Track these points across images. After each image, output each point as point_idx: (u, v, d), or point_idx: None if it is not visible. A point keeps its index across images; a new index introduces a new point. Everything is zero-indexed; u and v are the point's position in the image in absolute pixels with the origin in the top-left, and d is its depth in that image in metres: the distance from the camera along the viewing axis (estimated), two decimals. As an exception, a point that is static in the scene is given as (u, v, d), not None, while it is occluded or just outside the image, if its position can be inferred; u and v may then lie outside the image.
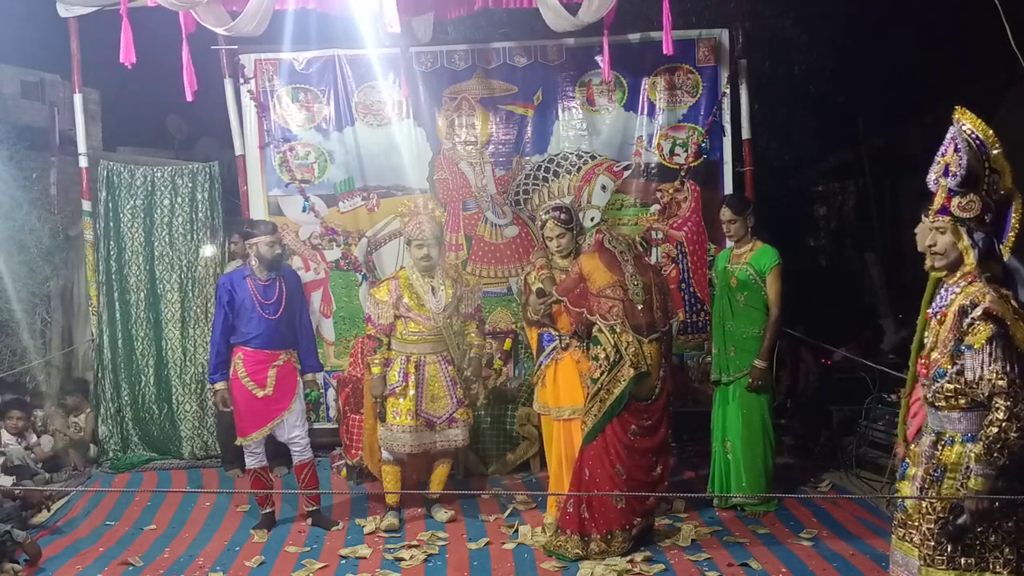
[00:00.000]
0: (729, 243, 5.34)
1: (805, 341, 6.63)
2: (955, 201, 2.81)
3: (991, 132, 2.76)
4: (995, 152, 2.76)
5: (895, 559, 3.02)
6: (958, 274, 2.85)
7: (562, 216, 4.81)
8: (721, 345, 5.15)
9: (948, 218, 2.83)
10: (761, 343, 4.98)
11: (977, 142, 2.78)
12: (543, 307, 4.71)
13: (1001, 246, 2.79)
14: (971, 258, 2.81)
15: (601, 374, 4.37)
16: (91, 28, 6.12)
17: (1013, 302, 2.73)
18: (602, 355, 4.38)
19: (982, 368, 2.71)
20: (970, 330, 2.73)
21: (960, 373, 2.77)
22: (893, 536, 3.05)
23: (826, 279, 9.62)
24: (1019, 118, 6.79)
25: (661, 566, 4.30)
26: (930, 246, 2.89)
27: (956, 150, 2.80)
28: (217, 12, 5.52)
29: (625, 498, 4.37)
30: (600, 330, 4.41)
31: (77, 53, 6.29)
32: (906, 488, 2.99)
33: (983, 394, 2.73)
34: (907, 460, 3.02)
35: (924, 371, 2.93)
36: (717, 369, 5.18)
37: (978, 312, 2.71)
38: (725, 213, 5.12)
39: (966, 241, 2.81)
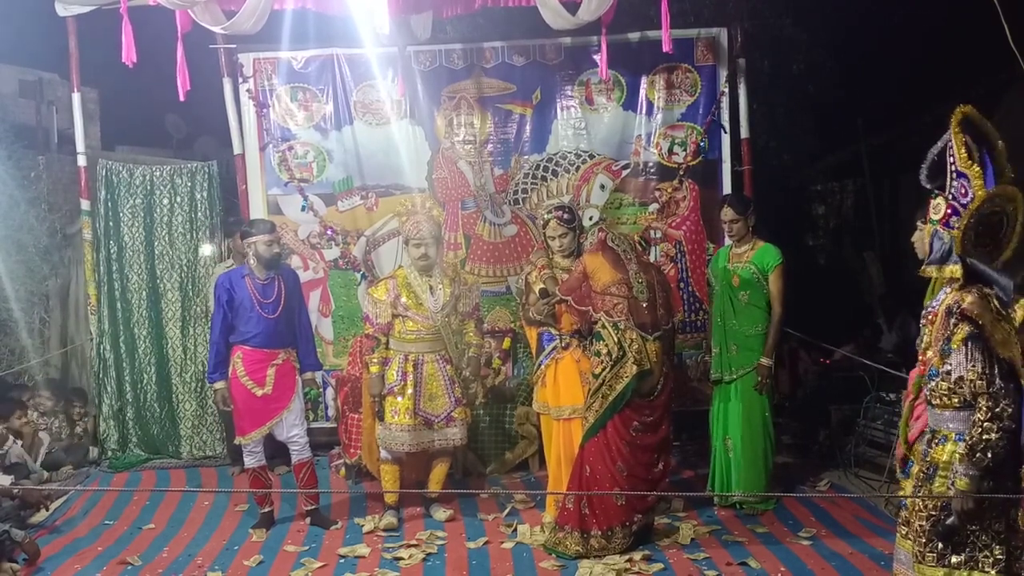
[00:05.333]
0: (728, 241, 5.34)
1: (804, 340, 6.64)
2: (931, 203, 2.87)
3: (961, 136, 2.77)
4: (961, 158, 2.76)
5: (898, 557, 3.04)
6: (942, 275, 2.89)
7: (565, 216, 4.81)
8: (722, 344, 5.15)
9: (925, 219, 2.90)
10: (763, 341, 4.99)
11: (949, 147, 2.80)
12: (546, 307, 4.71)
13: (954, 249, 2.80)
14: (925, 258, 2.86)
15: (603, 370, 4.37)
16: (89, 27, 6.11)
17: (995, 303, 2.74)
18: (604, 351, 4.38)
19: (960, 368, 2.74)
20: (953, 330, 2.75)
21: (950, 373, 2.79)
22: (897, 534, 3.07)
23: (825, 278, 9.62)
24: (1018, 118, 6.79)
25: (660, 565, 4.30)
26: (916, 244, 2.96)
27: (934, 152, 2.86)
28: (213, 11, 5.52)
29: (626, 494, 4.37)
30: (604, 326, 4.40)
31: (75, 52, 6.28)
32: (909, 487, 3.00)
33: (967, 394, 2.75)
34: (911, 459, 3.04)
35: (922, 369, 2.95)
36: (718, 368, 5.18)
37: (958, 312, 2.74)
38: (727, 213, 5.12)
39: (925, 242, 2.86)
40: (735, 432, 5.07)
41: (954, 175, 2.79)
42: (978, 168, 2.74)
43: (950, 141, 2.80)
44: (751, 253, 5.07)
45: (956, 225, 2.77)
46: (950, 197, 2.80)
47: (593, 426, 4.41)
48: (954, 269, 2.80)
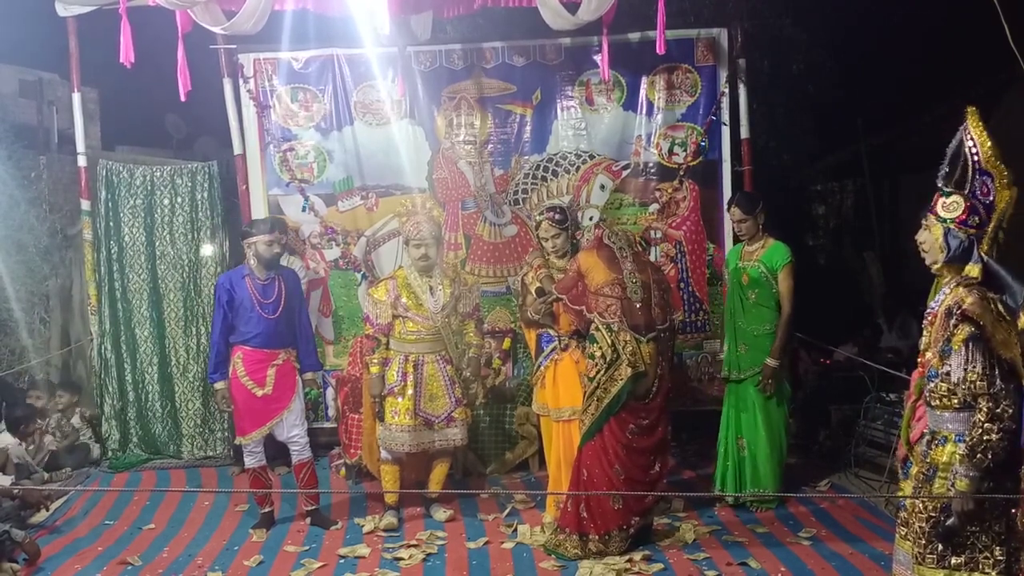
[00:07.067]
0: (728, 242, 5.33)
1: (804, 340, 6.63)
2: (941, 201, 2.86)
3: (985, 135, 2.77)
4: (987, 156, 2.76)
5: (898, 558, 3.05)
6: (949, 275, 2.88)
7: (556, 217, 4.81)
8: (732, 342, 5.17)
9: (934, 217, 2.86)
10: (772, 340, 4.99)
11: (970, 144, 2.80)
12: (544, 306, 4.71)
13: (977, 248, 2.80)
14: (940, 259, 2.85)
15: (597, 373, 4.36)
16: (90, 27, 6.11)
17: (999, 305, 2.74)
18: (598, 353, 4.37)
19: (960, 369, 2.74)
20: (954, 331, 2.75)
21: (949, 374, 2.79)
22: (896, 535, 3.07)
23: (825, 278, 9.61)
24: (1018, 118, 6.79)
25: (660, 565, 4.30)
26: (921, 243, 2.94)
27: (951, 151, 2.85)
28: (214, 11, 5.51)
29: (622, 498, 4.36)
30: (597, 328, 4.40)
31: (76, 52, 6.29)
32: (909, 487, 3.00)
33: (967, 395, 2.74)
34: (911, 459, 3.04)
35: (922, 370, 2.95)
36: (727, 366, 5.20)
37: (958, 313, 2.74)
38: (735, 213, 5.12)
39: (940, 241, 2.84)
40: (750, 432, 5.08)
41: (977, 173, 2.78)
42: (1004, 167, 2.75)
43: (966, 138, 2.80)
44: (761, 251, 5.08)
45: (973, 223, 2.77)
46: (969, 195, 2.80)
47: (589, 430, 4.40)
48: (972, 268, 2.80)
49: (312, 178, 6.34)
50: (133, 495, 5.64)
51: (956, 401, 2.80)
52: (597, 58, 6.02)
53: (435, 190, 6.34)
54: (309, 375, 5.10)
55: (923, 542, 2.87)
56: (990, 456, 2.70)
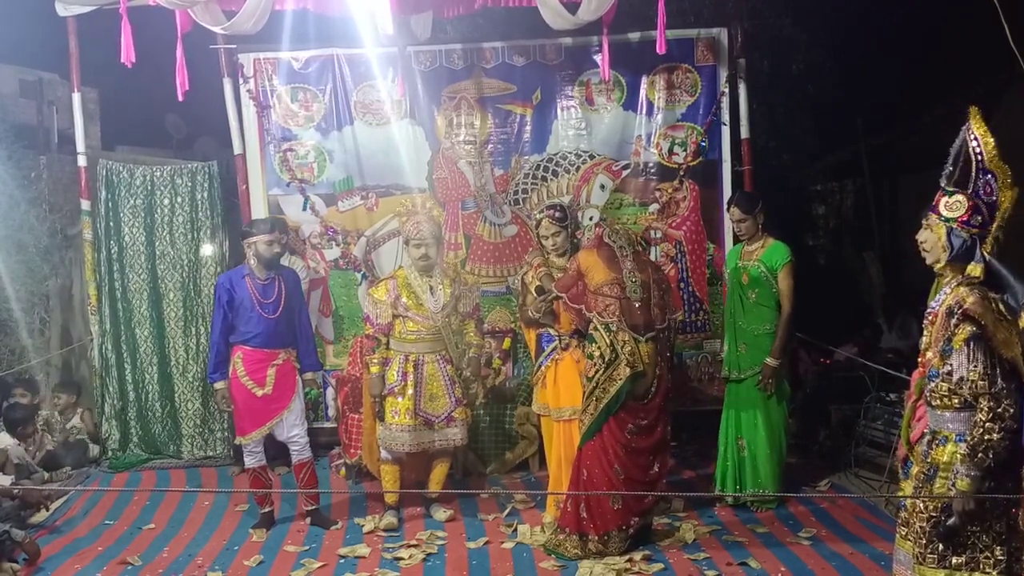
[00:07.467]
0: (728, 242, 5.32)
1: (804, 340, 6.64)
2: (943, 200, 2.86)
3: (989, 134, 2.77)
4: (991, 155, 2.76)
5: (898, 557, 3.05)
6: (951, 274, 2.88)
7: (556, 215, 4.81)
8: (732, 342, 5.18)
9: (936, 216, 2.86)
10: (772, 340, 4.99)
11: (974, 143, 2.80)
12: (544, 305, 4.71)
13: (980, 248, 2.80)
14: (943, 258, 2.84)
15: (596, 372, 4.36)
16: (90, 27, 6.11)
17: (1000, 305, 2.74)
18: (596, 353, 4.37)
19: (962, 369, 2.74)
20: (955, 331, 2.75)
21: (950, 373, 2.79)
22: (896, 535, 3.07)
23: (825, 278, 9.62)
24: (1018, 118, 6.79)
25: (660, 565, 4.30)
26: (922, 242, 2.94)
27: (954, 150, 2.85)
28: (213, 11, 5.52)
29: (622, 498, 4.36)
30: (596, 328, 4.40)
31: (76, 52, 6.29)
32: (909, 487, 3.00)
33: (968, 395, 2.74)
34: (911, 459, 3.04)
35: (922, 370, 2.95)
36: (727, 366, 5.20)
37: (959, 312, 2.74)
38: (735, 213, 5.13)
39: (943, 240, 2.84)
40: (750, 432, 5.08)
41: (981, 172, 2.79)
42: (1007, 167, 2.75)
43: (969, 138, 2.80)
44: (761, 251, 5.08)
45: (976, 223, 2.77)
46: (973, 195, 2.80)
47: (589, 430, 4.40)
48: (974, 268, 2.80)
49: (312, 178, 6.34)
50: (133, 495, 5.64)
51: (957, 401, 2.80)
52: (597, 58, 6.02)
53: (435, 190, 6.34)
54: (309, 375, 5.10)
55: (924, 542, 2.87)
56: (991, 456, 2.70)
